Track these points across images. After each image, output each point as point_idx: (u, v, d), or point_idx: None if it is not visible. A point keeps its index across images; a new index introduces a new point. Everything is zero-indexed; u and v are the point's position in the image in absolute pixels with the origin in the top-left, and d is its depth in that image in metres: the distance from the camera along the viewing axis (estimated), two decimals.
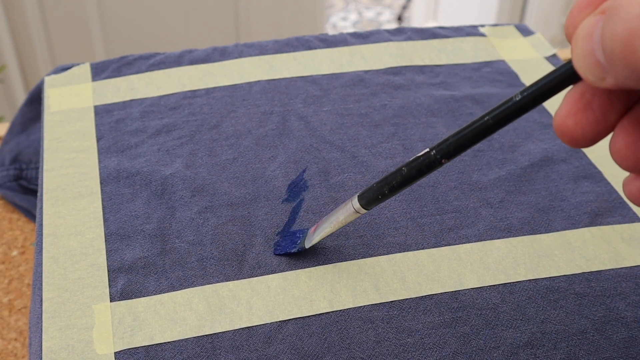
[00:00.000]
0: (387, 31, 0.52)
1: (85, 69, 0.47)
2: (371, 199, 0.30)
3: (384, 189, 0.29)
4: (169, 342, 0.30)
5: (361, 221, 0.36)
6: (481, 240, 0.35)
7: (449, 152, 0.26)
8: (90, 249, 0.34)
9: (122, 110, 0.43)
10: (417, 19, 2.23)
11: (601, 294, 0.33)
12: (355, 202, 0.31)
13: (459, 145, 0.26)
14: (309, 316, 0.31)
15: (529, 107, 0.24)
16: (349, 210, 0.31)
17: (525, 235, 0.36)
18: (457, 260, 0.34)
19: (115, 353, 0.30)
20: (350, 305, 0.32)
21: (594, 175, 0.40)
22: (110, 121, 0.42)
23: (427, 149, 0.27)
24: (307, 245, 0.34)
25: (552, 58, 0.50)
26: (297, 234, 0.35)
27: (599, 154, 0.41)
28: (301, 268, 0.34)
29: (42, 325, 0.31)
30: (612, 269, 0.34)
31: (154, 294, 0.32)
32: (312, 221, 0.36)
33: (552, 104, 0.45)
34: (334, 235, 0.35)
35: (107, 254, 0.34)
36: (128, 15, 1.49)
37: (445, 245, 0.35)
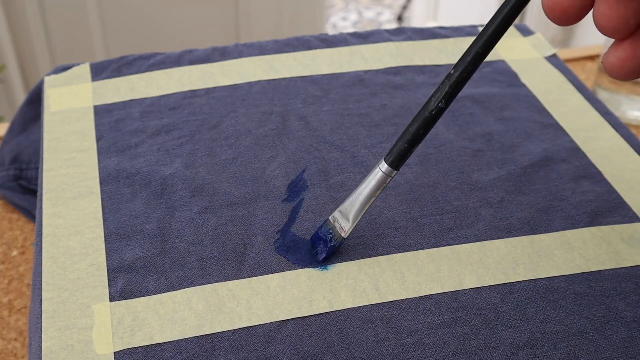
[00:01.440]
0: (387, 31, 0.52)
1: (85, 69, 0.47)
2: (400, 156, 0.31)
3: (412, 140, 0.30)
4: (168, 342, 0.30)
5: (361, 221, 0.36)
6: (481, 240, 0.35)
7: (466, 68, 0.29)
8: (89, 248, 0.34)
9: (122, 110, 0.43)
10: (417, 19, 2.23)
11: (601, 294, 0.33)
12: (383, 166, 0.31)
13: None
14: (308, 316, 0.31)
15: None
16: (379, 178, 0.31)
17: (525, 235, 0.36)
18: (457, 260, 0.34)
19: (114, 353, 0.30)
20: (350, 305, 0.32)
21: (594, 175, 0.40)
22: (110, 121, 0.42)
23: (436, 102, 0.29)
24: (345, 234, 0.33)
25: (552, 58, 0.50)
26: (320, 233, 0.34)
27: (599, 154, 0.41)
28: (301, 268, 0.34)
29: (41, 325, 0.31)
30: (612, 269, 0.34)
31: (154, 294, 0.32)
32: (313, 221, 0.36)
33: (553, 105, 0.45)
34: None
35: (106, 254, 0.34)
36: (128, 15, 1.49)
37: (445, 245, 0.35)
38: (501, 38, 0.29)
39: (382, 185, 0.32)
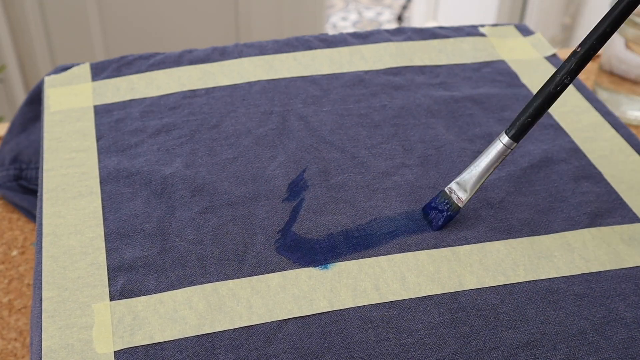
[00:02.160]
0: (387, 31, 0.52)
1: (85, 69, 0.47)
2: (521, 128, 0.32)
3: (533, 114, 0.32)
4: (168, 341, 0.30)
5: (361, 221, 0.36)
6: (481, 242, 0.35)
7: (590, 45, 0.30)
8: (90, 248, 0.34)
9: (122, 110, 0.43)
10: (417, 19, 2.23)
11: (601, 295, 0.33)
12: (504, 139, 0.32)
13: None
14: (308, 315, 0.31)
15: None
16: (499, 150, 0.33)
17: (524, 236, 0.36)
18: (457, 261, 0.34)
19: (114, 352, 0.30)
20: (350, 305, 0.32)
21: (594, 175, 0.40)
22: (110, 121, 0.42)
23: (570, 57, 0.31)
24: (462, 204, 0.35)
25: (552, 58, 0.50)
26: (434, 204, 0.35)
27: (599, 154, 0.41)
28: (301, 267, 0.34)
29: (41, 325, 0.31)
30: (612, 270, 0.34)
31: (154, 293, 0.32)
32: (313, 220, 0.36)
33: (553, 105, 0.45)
34: (331, 234, 0.35)
35: (106, 253, 0.34)
36: (128, 15, 1.49)
37: (445, 247, 0.35)
38: (628, 17, 0.30)
39: (500, 158, 0.33)
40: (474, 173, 0.34)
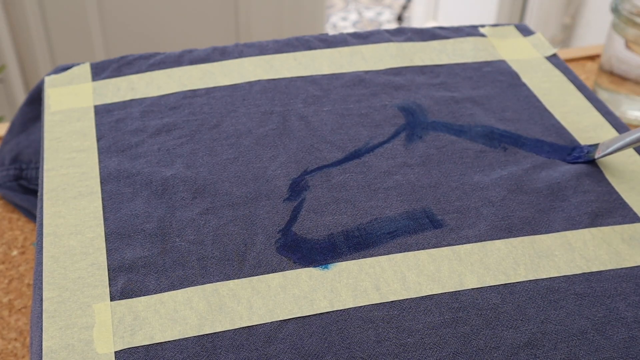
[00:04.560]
0: (387, 31, 0.52)
1: (85, 69, 0.47)
2: None
3: None
4: (169, 341, 0.30)
5: (362, 220, 0.36)
6: (482, 241, 0.35)
7: None
8: (90, 248, 0.34)
9: (122, 110, 0.43)
10: (417, 19, 2.24)
11: (601, 295, 0.33)
12: None
13: None
14: (309, 316, 0.31)
15: None
16: None
17: (525, 235, 0.36)
18: (458, 261, 0.34)
19: (115, 352, 0.30)
20: (351, 305, 0.32)
21: (595, 175, 0.40)
22: (111, 121, 0.42)
23: None
24: (597, 156, 0.38)
25: (552, 58, 0.50)
26: (584, 146, 0.39)
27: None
28: (302, 267, 0.34)
29: (42, 325, 0.31)
30: (612, 270, 0.34)
31: (154, 293, 0.32)
32: (314, 220, 0.36)
33: (554, 105, 0.45)
34: (332, 234, 0.35)
35: (107, 253, 0.34)
36: (128, 15, 1.49)
37: (446, 246, 0.35)
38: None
39: None
40: (625, 138, 0.37)
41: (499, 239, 0.35)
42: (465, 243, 0.35)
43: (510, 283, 0.33)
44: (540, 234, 0.36)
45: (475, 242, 0.35)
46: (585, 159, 0.38)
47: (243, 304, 0.32)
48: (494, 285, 0.33)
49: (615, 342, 0.31)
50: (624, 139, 0.37)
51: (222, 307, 0.32)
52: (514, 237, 0.35)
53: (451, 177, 0.39)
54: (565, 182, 0.39)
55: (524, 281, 0.33)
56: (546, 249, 0.35)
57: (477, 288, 0.33)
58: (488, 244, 0.35)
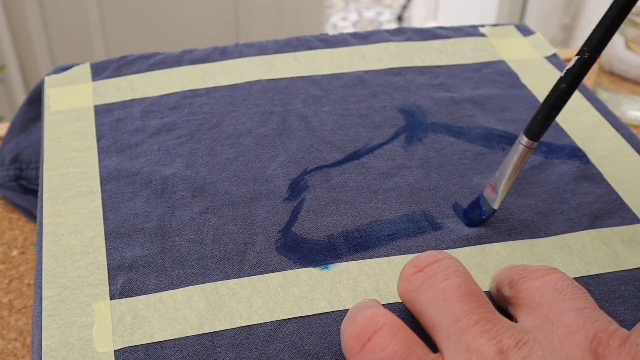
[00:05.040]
0: (387, 31, 0.52)
1: (85, 69, 0.47)
2: (537, 127, 0.33)
3: (547, 112, 0.32)
4: (169, 340, 0.30)
5: (362, 222, 0.36)
6: (481, 244, 0.35)
7: (595, 46, 0.30)
8: (90, 247, 0.34)
9: (122, 110, 0.43)
10: (417, 19, 2.24)
11: (600, 298, 0.33)
12: (522, 139, 0.33)
13: (602, 37, 0.30)
14: (309, 315, 0.31)
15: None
16: (520, 150, 0.34)
17: (525, 238, 0.36)
18: None
19: (115, 351, 0.30)
20: (351, 306, 0.32)
21: (594, 176, 0.40)
22: (111, 121, 0.42)
23: (575, 57, 0.31)
24: (496, 205, 0.35)
25: (552, 58, 0.50)
26: (475, 206, 0.36)
27: (599, 154, 0.41)
28: (302, 267, 0.34)
29: (41, 323, 0.31)
30: (611, 272, 0.34)
31: (154, 292, 0.32)
32: (314, 221, 0.36)
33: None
34: (332, 234, 0.35)
35: (107, 252, 0.34)
36: (128, 15, 1.50)
37: (445, 249, 0.35)
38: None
39: (524, 158, 0.34)
40: (502, 176, 0.35)
41: (498, 242, 0.35)
42: (464, 246, 0.35)
43: None
44: (540, 237, 0.36)
45: (475, 245, 0.35)
46: (487, 215, 0.36)
47: (243, 303, 0.32)
48: None
49: None
50: (502, 179, 0.35)
51: (222, 306, 0.32)
52: (513, 240, 0.35)
53: (450, 179, 0.39)
54: (564, 184, 0.39)
55: None
56: (545, 252, 0.35)
57: None
58: (487, 246, 0.35)
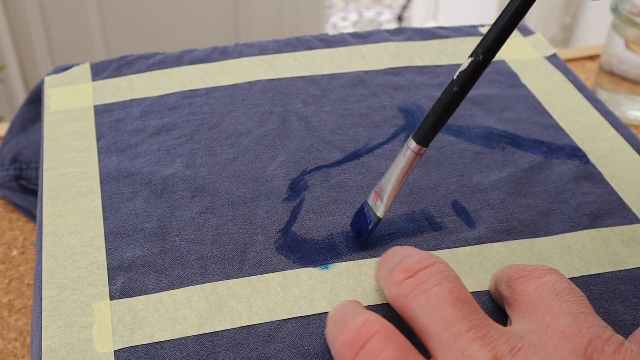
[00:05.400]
0: (387, 31, 0.52)
1: (85, 69, 0.47)
2: (426, 132, 0.31)
3: (438, 116, 0.31)
4: (168, 340, 0.30)
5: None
6: (481, 243, 0.35)
7: (489, 48, 0.30)
8: (90, 247, 0.34)
9: (122, 110, 0.43)
10: (417, 19, 2.24)
11: (600, 297, 0.33)
12: (411, 144, 0.32)
13: (496, 38, 0.30)
14: (309, 315, 0.31)
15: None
16: (408, 156, 0.32)
17: (524, 238, 0.36)
18: (457, 264, 0.34)
19: (114, 351, 0.30)
20: None
21: (594, 176, 0.40)
22: (110, 121, 0.42)
23: (469, 58, 0.30)
24: (381, 214, 0.33)
25: (552, 58, 0.50)
26: (361, 215, 0.34)
27: (599, 154, 0.41)
28: (301, 267, 0.34)
29: (41, 324, 0.31)
30: (611, 272, 0.34)
31: (154, 292, 0.32)
32: (314, 221, 0.36)
33: (553, 105, 0.45)
34: (332, 234, 0.35)
35: (106, 253, 0.34)
36: (128, 15, 1.50)
37: (445, 248, 0.35)
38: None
39: (413, 164, 0.32)
40: (387, 182, 0.33)
41: (498, 241, 0.35)
42: (464, 246, 0.35)
43: None
44: (539, 236, 0.36)
45: (474, 244, 0.35)
46: (373, 225, 0.34)
47: (243, 303, 0.32)
48: None
49: None
50: (389, 185, 0.33)
51: (222, 307, 0.32)
52: (512, 239, 0.35)
53: (450, 178, 0.39)
54: (564, 184, 0.39)
55: None
56: (545, 252, 0.35)
57: (476, 291, 0.33)
58: (487, 246, 0.35)
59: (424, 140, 0.32)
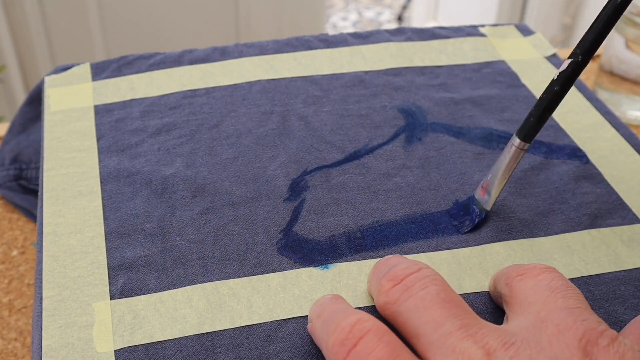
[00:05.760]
0: (387, 31, 0.52)
1: (85, 69, 0.47)
2: (529, 129, 0.34)
3: (540, 114, 0.33)
4: (169, 340, 0.30)
5: (363, 222, 0.36)
6: (481, 244, 0.35)
7: (587, 48, 0.31)
8: (90, 247, 0.34)
9: (122, 110, 0.43)
10: (417, 19, 2.24)
11: (600, 298, 0.33)
12: (515, 141, 0.34)
13: (594, 39, 0.31)
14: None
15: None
16: (512, 152, 0.34)
17: (525, 238, 0.36)
18: (457, 264, 0.34)
19: (115, 351, 0.30)
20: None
21: (594, 176, 0.40)
22: (111, 120, 0.42)
23: (568, 59, 0.32)
24: (489, 207, 0.36)
25: (552, 58, 0.50)
26: (466, 207, 0.36)
27: (599, 154, 0.41)
28: (302, 267, 0.34)
29: (42, 324, 0.31)
30: (611, 272, 0.34)
31: (154, 292, 0.32)
32: (315, 221, 0.36)
33: None
34: (334, 235, 0.35)
35: (107, 252, 0.34)
36: (128, 15, 1.50)
37: (445, 249, 0.35)
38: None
39: (517, 159, 0.35)
40: (494, 178, 0.35)
41: (498, 241, 0.35)
42: (464, 247, 0.35)
43: None
44: (540, 236, 0.36)
45: (475, 245, 0.35)
46: (481, 216, 0.36)
47: (243, 303, 0.32)
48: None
49: None
50: (495, 180, 0.35)
51: (222, 306, 0.32)
52: (513, 239, 0.35)
53: (450, 179, 0.39)
54: (564, 184, 0.39)
55: None
56: (545, 252, 0.35)
57: (476, 292, 0.33)
58: (487, 247, 0.35)
59: (527, 137, 0.34)
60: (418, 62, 0.48)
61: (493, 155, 0.41)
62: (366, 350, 0.25)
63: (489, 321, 0.31)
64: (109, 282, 0.33)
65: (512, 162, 0.34)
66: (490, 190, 0.35)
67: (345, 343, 0.26)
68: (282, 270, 0.33)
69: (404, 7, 2.38)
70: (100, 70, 0.47)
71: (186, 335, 0.31)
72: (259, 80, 0.46)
